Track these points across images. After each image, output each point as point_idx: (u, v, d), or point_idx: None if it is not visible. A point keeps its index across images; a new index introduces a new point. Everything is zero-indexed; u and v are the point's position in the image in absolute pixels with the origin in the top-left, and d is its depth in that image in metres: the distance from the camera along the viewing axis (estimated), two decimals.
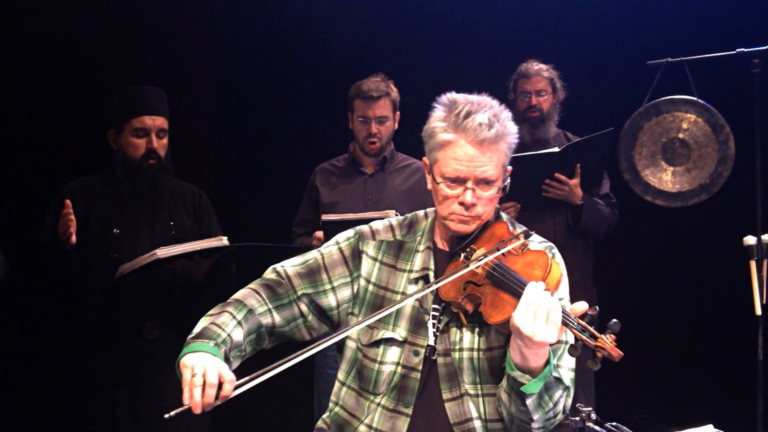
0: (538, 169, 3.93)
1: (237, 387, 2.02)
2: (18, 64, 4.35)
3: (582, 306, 2.02)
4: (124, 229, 3.42)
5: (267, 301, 2.24)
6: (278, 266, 2.31)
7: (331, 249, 2.31)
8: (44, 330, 4.12)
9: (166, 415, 1.99)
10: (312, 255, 2.31)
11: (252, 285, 2.28)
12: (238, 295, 2.25)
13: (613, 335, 1.98)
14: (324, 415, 2.35)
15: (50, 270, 3.41)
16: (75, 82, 4.45)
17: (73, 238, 3.24)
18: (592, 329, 1.99)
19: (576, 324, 2.00)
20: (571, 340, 2.18)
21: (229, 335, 2.13)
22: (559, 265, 2.12)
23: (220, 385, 1.99)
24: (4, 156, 4.30)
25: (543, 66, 4.25)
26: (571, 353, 2.01)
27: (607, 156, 4.08)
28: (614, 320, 1.98)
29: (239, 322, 2.17)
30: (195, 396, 1.97)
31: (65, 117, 4.44)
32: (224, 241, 3.40)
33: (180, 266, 3.38)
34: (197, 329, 2.14)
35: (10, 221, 4.12)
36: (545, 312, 1.96)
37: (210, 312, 2.20)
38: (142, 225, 3.49)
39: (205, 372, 1.99)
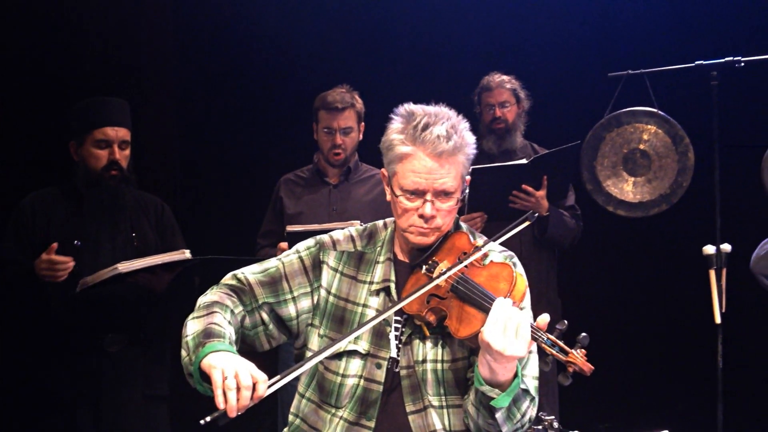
0: (506, 180, 3.95)
1: (270, 386, 1.98)
2: None
3: (545, 319, 2.02)
4: (85, 241, 3.38)
5: (239, 303, 2.21)
6: (239, 273, 2.27)
7: (291, 258, 2.28)
8: (1, 345, 4.05)
9: (202, 421, 1.93)
10: (272, 263, 2.27)
11: (220, 289, 2.23)
12: (213, 297, 2.20)
13: (583, 349, 1.99)
14: (284, 430, 2.33)
15: (8, 284, 3.37)
16: (35, 93, 4.39)
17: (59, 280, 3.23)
18: (561, 344, 1.99)
19: (545, 339, 1.99)
20: (534, 349, 2.19)
21: (229, 336, 2.09)
22: (523, 277, 2.13)
23: (252, 386, 1.95)
24: None
25: (505, 77, 4.28)
26: (541, 368, 2.02)
27: (573, 168, 4.12)
28: (583, 334, 1.99)
29: (229, 322, 2.14)
30: (230, 399, 1.91)
31: (25, 128, 4.38)
32: (186, 254, 3.37)
33: (142, 280, 3.34)
34: (199, 329, 2.08)
35: None
36: (515, 327, 1.96)
37: (195, 315, 2.14)
38: (104, 237, 3.45)
39: (236, 374, 1.93)
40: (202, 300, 2.21)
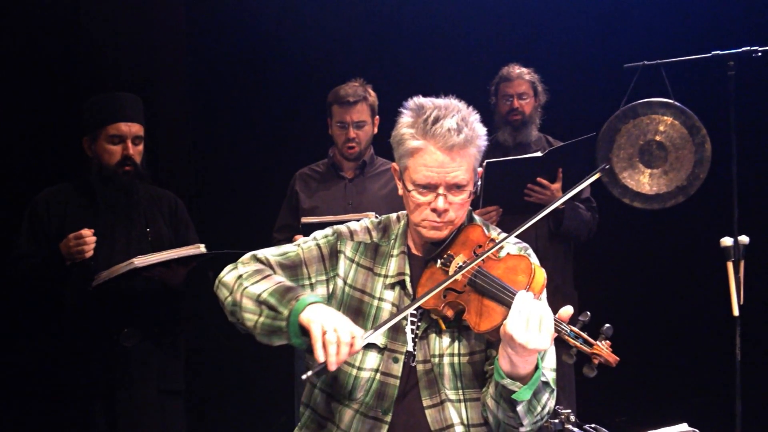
0: (521, 173, 3.93)
1: (364, 340, 2.02)
2: None
3: (568, 311, 2.01)
4: (100, 237, 3.38)
5: None
6: (259, 253, 2.26)
7: (310, 245, 2.27)
8: (18, 340, 4.07)
9: (304, 376, 2.02)
10: (291, 248, 2.27)
11: (245, 264, 2.21)
12: (252, 267, 2.19)
13: (607, 341, 1.98)
14: (298, 424, 2.32)
15: (25, 279, 3.38)
16: (48, 90, 4.40)
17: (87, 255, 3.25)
18: (585, 336, 1.99)
19: (569, 331, 1.99)
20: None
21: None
22: (541, 268, 2.11)
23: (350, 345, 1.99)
24: None
25: (524, 69, 4.26)
26: (565, 360, 2.00)
27: (588, 161, 4.09)
28: (607, 325, 1.99)
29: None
30: (331, 353, 1.95)
31: (38, 125, 4.39)
32: (202, 248, 3.38)
33: (157, 274, 3.35)
34: (271, 287, 2.09)
35: None
36: (537, 320, 1.95)
37: (253, 280, 2.14)
38: (119, 232, 3.46)
39: (335, 328, 1.97)
40: (238, 272, 2.19)
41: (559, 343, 2.02)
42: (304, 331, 2.01)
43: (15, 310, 3.94)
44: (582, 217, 4.11)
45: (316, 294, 2.08)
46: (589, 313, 2.00)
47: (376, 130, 4.06)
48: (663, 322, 4.97)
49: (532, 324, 1.94)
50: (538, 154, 3.96)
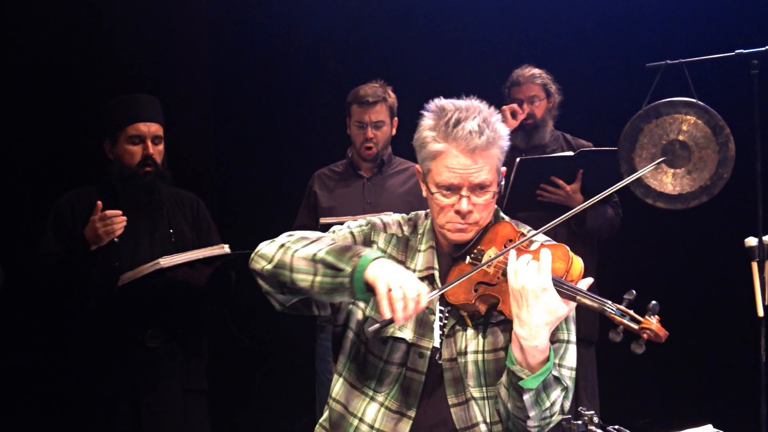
0: (552, 171, 3.94)
1: (430, 298, 2.03)
2: (9, 74, 4.33)
3: (587, 281, 2.04)
4: (123, 238, 3.40)
5: None
6: (294, 233, 2.25)
7: (344, 232, 2.28)
8: (43, 341, 4.10)
9: (371, 329, 2.05)
10: (325, 234, 2.27)
11: (284, 239, 2.22)
12: (298, 234, 2.21)
13: (656, 316, 1.98)
14: (321, 419, 2.33)
15: (49, 279, 3.40)
16: (69, 92, 4.44)
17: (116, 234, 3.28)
18: (632, 313, 1.98)
19: (615, 309, 1.98)
20: (573, 339, 2.18)
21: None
22: (579, 258, 2.10)
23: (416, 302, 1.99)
24: None
25: (536, 72, 4.22)
26: (612, 339, 1.99)
27: (614, 169, 4.06)
28: (654, 302, 1.99)
29: None
30: (398, 310, 1.96)
31: (59, 126, 4.42)
32: (226, 248, 3.40)
33: (182, 274, 3.37)
34: (326, 247, 2.09)
35: (4, 231, 4.11)
36: (532, 294, 1.99)
37: (304, 243, 2.14)
38: (142, 233, 3.48)
39: (401, 285, 1.97)
40: (281, 241, 2.19)
41: (606, 321, 2.02)
42: (369, 288, 2.01)
43: (40, 311, 3.97)
44: (605, 215, 4.09)
45: (376, 250, 2.08)
46: (634, 291, 2.00)
47: (394, 131, 4.07)
48: (687, 323, 4.94)
49: (529, 299, 1.98)
50: (570, 153, 3.96)
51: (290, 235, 2.22)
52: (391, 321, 1.97)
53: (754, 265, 3.45)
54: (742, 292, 3.61)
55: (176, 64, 4.78)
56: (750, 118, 3.65)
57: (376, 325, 2.02)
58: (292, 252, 2.13)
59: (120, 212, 3.31)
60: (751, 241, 3.47)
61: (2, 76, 4.31)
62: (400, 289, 1.96)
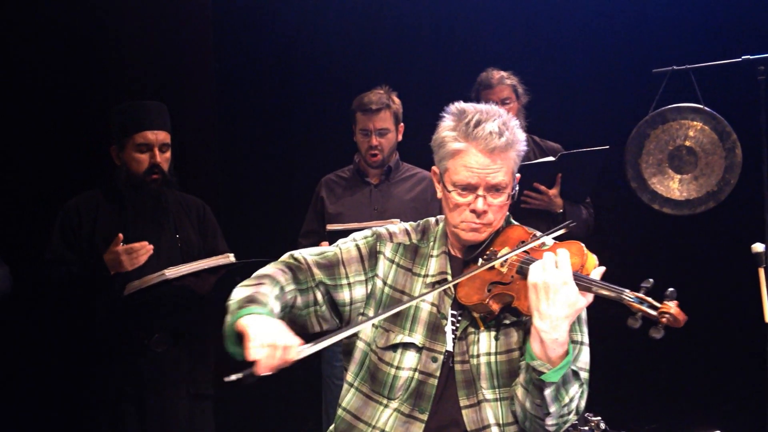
0: (533, 178, 3.92)
1: (300, 352, 1.97)
2: (16, 78, 4.34)
3: (599, 270, 2.07)
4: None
5: (291, 281, 2.21)
6: (296, 253, 2.28)
7: (348, 245, 2.29)
8: (49, 346, 4.10)
9: (226, 378, 1.92)
10: (330, 249, 2.29)
11: (276, 265, 2.24)
12: (268, 271, 2.20)
13: (675, 301, 1.99)
14: (330, 428, 2.33)
15: (57, 285, 3.41)
16: (75, 97, 4.44)
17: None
18: (650, 299, 1.99)
19: (632, 297, 1.99)
20: (587, 341, 2.20)
21: (272, 307, 2.09)
22: (593, 255, 2.12)
23: (284, 348, 1.95)
24: (4, 170, 4.30)
25: (504, 73, 4.18)
26: (630, 325, 2.00)
27: (597, 173, 4.06)
28: (671, 289, 2.00)
29: (276, 297, 2.14)
30: (260, 356, 1.91)
31: (65, 130, 4.43)
32: (231, 258, 3.41)
33: (187, 283, 3.38)
34: (242, 296, 2.08)
35: (12, 235, 4.12)
36: (551, 289, 2.00)
37: (245, 283, 2.16)
38: (148, 239, 3.48)
39: (269, 333, 1.94)
40: (257, 272, 2.21)
41: (623, 309, 2.02)
42: (240, 342, 1.98)
43: (46, 315, 3.98)
44: (581, 217, 4.07)
45: (266, 310, 2.03)
46: (651, 279, 2.01)
47: (400, 137, 4.05)
48: (693, 328, 4.91)
49: (550, 293, 1.99)
50: (551, 159, 3.95)
51: (271, 266, 2.23)
52: (252, 370, 1.91)
53: (761, 271, 3.44)
54: (749, 299, 3.61)
55: (182, 70, 4.79)
56: (757, 124, 3.65)
57: (233, 376, 1.93)
58: (233, 291, 2.15)
59: (146, 243, 3.35)
60: (758, 247, 3.46)
61: (8, 81, 4.32)
62: (267, 338, 1.92)
